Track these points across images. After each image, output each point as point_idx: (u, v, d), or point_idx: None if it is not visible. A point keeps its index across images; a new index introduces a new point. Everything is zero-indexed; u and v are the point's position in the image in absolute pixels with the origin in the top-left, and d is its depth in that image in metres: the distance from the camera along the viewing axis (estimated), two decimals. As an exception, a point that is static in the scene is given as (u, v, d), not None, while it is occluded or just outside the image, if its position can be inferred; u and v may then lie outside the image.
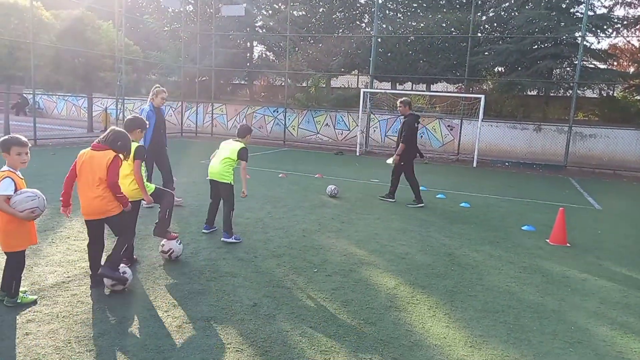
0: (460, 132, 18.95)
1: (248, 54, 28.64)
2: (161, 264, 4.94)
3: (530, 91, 21.72)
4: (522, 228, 7.45)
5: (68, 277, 4.46)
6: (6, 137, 3.85)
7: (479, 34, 23.00)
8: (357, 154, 18.23)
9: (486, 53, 21.44)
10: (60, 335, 3.40)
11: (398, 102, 8.95)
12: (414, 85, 26.48)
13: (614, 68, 21.14)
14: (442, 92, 23.13)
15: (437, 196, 9.87)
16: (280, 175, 11.39)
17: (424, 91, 24.08)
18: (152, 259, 5.08)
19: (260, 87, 29.51)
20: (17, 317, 3.62)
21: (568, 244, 6.61)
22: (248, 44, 28.71)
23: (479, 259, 5.79)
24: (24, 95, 27.33)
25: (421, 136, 21.21)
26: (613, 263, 5.92)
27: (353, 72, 26.35)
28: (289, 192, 9.38)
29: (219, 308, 3.98)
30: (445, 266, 5.43)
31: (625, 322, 4.21)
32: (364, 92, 18.36)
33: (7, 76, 17.72)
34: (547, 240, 6.76)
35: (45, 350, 3.19)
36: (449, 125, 20.37)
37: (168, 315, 3.80)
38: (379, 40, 22.47)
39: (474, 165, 16.40)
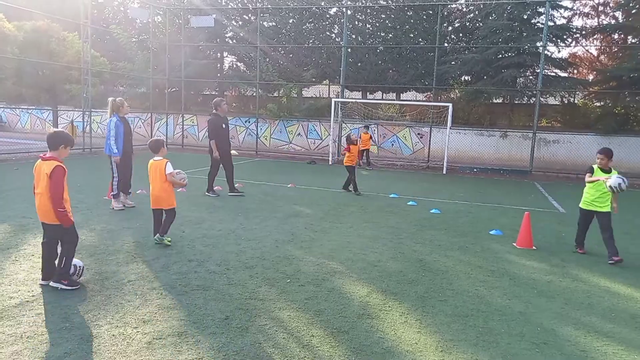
0: (430, 140, 19.30)
1: (219, 65, 28.49)
2: (130, 280, 4.85)
3: (495, 99, 22.32)
4: (490, 232, 7.63)
5: (32, 296, 4.33)
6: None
7: (446, 44, 23.54)
8: (330, 163, 18.33)
9: (453, 62, 21.94)
10: (25, 357, 3.29)
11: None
12: (384, 95, 26.84)
13: (574, 76, 21.98)
14: (411, 100, 23.53)
15: (409, 203, 10.01)
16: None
17: (393, 100, 24.46)
18: (121, 274, 4.98)
19: (232, 98, 29.38)
20: (-22, 339, 3.49)
21: (534, 247, 6.80)
22: (218, 54, 28.59)
23: (449, 264, 5.90)
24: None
25: (392, 144, 21.57)
26: (577, 265, 6.12)
27: (324, 82, 26.52)
28: (262, 203, 9.36)
29: (190, 322, 3.94)
30: (417, 272, 5.51)
31: (589, 321, 4.36)
32: (335, 102, 18.52)
33: (-33, 89, 17.16)
34: (514, 244, 6.95)
35: (8, 373, 3.09)
36: (419, 134, 20.75)
37: (137, 332, 3.73)
38: (349, 50, 22.75)
39: (444, 172, 16.71)
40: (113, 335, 3.67)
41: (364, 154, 16.92)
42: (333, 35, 26.31)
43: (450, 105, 16.80)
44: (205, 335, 3.72)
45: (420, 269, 5.66)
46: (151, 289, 4.62)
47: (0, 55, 15.71)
